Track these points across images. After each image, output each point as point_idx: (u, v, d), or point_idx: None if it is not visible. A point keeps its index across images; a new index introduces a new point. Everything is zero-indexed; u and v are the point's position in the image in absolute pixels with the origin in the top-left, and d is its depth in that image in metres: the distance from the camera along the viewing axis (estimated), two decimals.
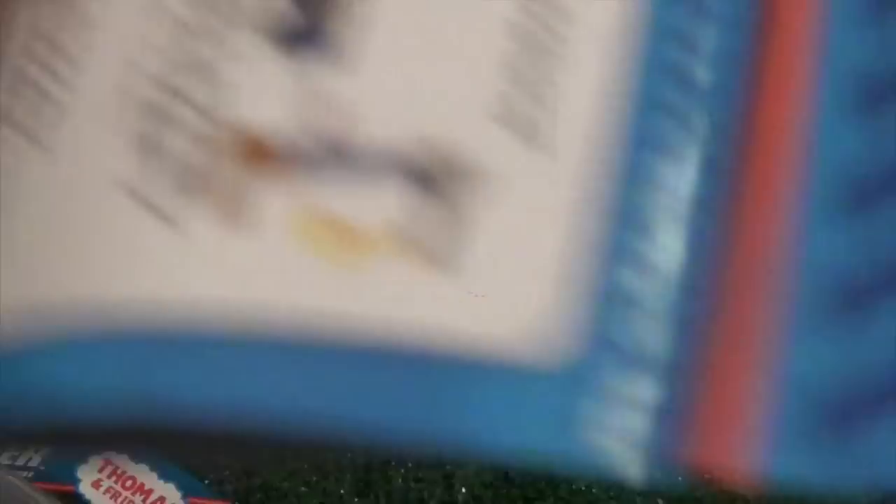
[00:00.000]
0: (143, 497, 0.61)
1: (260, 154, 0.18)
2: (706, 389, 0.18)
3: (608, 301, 0.18)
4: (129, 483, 0.61)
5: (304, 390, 0.17)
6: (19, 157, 0.19)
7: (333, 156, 0.18)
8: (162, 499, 0.61)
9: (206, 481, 0.64)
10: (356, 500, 0.64)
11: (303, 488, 0.64)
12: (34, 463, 0.62)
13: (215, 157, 0.18)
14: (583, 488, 0.64)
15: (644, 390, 0.18)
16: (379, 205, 0.18)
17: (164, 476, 0.62)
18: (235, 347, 0.17)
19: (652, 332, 0.18)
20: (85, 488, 0.61)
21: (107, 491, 0.61)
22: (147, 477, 0.61)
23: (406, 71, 0.19)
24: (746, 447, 0.18)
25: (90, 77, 0.19)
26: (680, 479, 0.19)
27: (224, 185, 0.18)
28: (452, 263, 0.18)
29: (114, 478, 0.61)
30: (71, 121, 0.19)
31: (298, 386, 0.17)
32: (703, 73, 0.19)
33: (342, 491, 0.64)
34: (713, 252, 0.18)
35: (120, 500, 0.61)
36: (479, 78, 0.18)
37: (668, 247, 0.18)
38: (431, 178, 0.18)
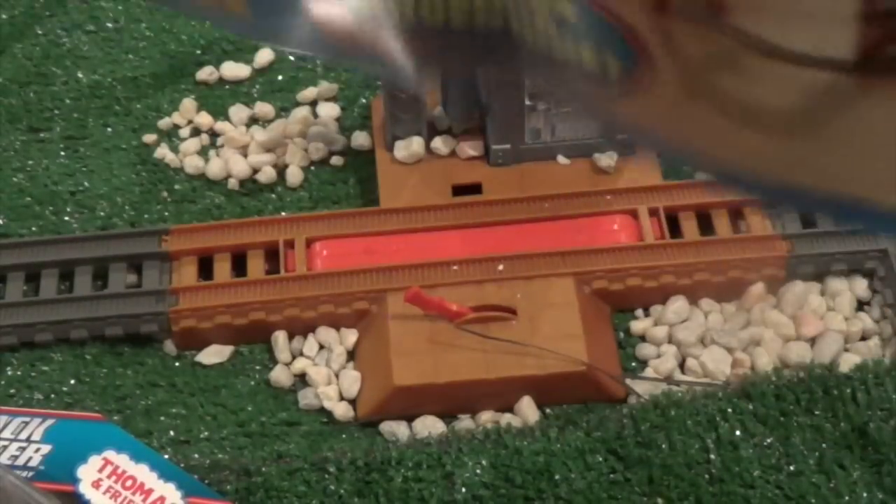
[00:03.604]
0: (143, 497, 0.61)
1: None
2: None
3: None
4: (129, 483, 0.61)
5: None
6: None
7: None
8: (162, 499, 0.61)
9: (206, 481, 0.64)
10: (356, 500, 0.64)
11: (303, 488, 0.64)
12: (34, 463, 0.62)
13: None
14: (583, 488, 0.64)
15: None
16: None
17: (164, 476, 0.62)
18: None
19: None
20: (85, 488, 0.61)
21: (107, 491, 0.61)
22: (147, 477, 0.62)
23: None
24: None
25: None
26: None
27: None
28: None
29: (114, 478, 0.62)
30: None
31: None
32: None
33: (342, 491, 0.64)
34: None
35: (120, 500, 0.61)
36: None
37: None
38: None
